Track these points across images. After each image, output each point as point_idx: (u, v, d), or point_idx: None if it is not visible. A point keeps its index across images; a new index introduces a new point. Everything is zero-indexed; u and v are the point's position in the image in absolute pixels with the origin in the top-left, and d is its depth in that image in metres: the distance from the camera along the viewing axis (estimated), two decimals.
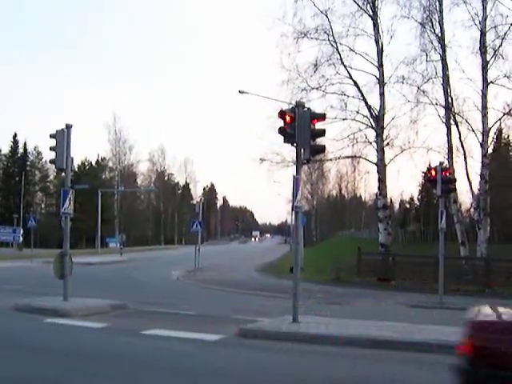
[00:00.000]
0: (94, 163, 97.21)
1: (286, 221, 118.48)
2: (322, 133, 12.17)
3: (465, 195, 54.93)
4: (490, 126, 28.51)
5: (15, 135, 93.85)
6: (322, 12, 29.72)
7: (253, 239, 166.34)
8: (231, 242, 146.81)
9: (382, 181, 29.79)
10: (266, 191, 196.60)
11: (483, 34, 27.79)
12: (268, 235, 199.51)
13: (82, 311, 13.25)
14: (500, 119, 30.11)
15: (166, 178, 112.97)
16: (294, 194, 11.47)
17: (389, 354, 9.15)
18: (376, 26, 29.59)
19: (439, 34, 29.08)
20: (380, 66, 29.54)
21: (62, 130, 14.34)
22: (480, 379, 5.00)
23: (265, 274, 32.93)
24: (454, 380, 5.19)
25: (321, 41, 30.03)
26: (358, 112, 30.22)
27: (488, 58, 27.82)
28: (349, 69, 29.98)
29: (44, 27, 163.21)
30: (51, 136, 14.44)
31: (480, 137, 28.11)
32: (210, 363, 8.13)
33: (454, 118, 28.95)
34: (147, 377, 6.99)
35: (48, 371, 7.19)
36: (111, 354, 8.69)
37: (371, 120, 29.96)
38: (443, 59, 28.95)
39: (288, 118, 11.44)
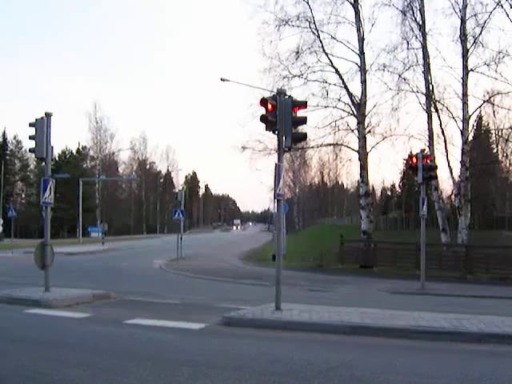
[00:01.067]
0: (74, 152, 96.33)
1: (269, 209, 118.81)
2: (304, 120, 12.14)
3: (446, 182, 55.58)
4: (470, 113, 28.75)
5: None
6: None
7: (234, 227, 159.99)
8: (214, 230, 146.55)
9: (363, 168, 29.90)
10: (249, 179, 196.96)
11: (463, 21, 27.93)
12: (249, 223, 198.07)
13: (64, 301, 13.15)
14: (480, 107, 30.41)
15: (147, 167, 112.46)
16: (276, 182, 11.44)
17: (371, 341, 9.21)
18: (357, 13, 29.62)
19: (420, 22, 29.19)
20: (361, 53, 29.59)
21: (42, 118, 14.17)
22: None
23: (248, 262, 32.98)
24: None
25: (302, 28, 30.05)
26: (339, 100, 30.32)
27: (468, 46, 27.99)
28: (330, 56, 30.08)
29: (24, 15, 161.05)
30: (31, 125, 14.26)
31: (460, 124, 28.34)
32: (192, 352, 8.12)
33: (435, 105, 29.12)
34: (130, 366, 6.96)
35: (28, 362, 7.13)
36: (94, 344, 8.64)
37: (353, 108, 30.04)
38: (424, 47, 29.07)
39: (270, 106, 11.40)
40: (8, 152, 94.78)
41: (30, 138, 14.34)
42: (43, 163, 15.00)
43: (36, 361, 7.22)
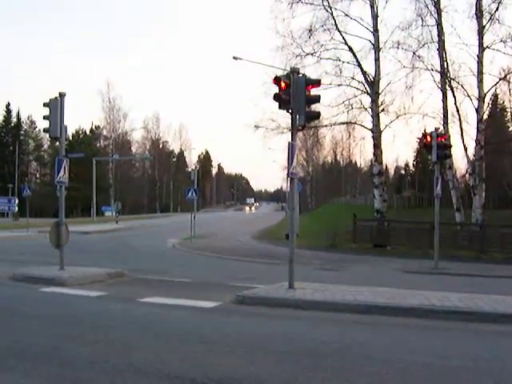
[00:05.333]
0: (88, 132, 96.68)
1: (282, 187, 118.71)
2: (318, 99, 12.04)
3: (460, 161, 55.10)
4: (485, 91, 28.41)
5: (8, 104, 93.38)
6: None
7: (247, 208, 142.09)
8: (227, 209, 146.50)
9: (377, 147, 29.74)
10: (262, 158, 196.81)
11: None
12: (257, 203, 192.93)
13: (79, 280, 13.25)
14: (496, 84, 30.01)
15: (160, 146, 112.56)
16: (290, 161, 11.39)
17: (384, 320, 9.21)
18: None
19: None
20: (375, 31, 29.26)
21: (56, 98, 14.17)
22: None
23: (261, 241, 33.02)
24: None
25: (315, 6, 29.72)
26: (353, 78, 30.06)
27: (484, 23, 27.57)
28: (344, 34, 29.74)
29: None
30: (44, 105, 14.28)
31: (476, 102, 28.03)
32: (206, 330, 8.17)
33: (450, 83, 28.79)
34: (145, 343, 7.03)
35: (43, 339, 7.20)
36: (108, 322, 8.71)
37: (366, 86, 29.79)
38: (439, 24, 28.67)
39: (283, 84, 11.32)
40: (22, 132, 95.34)
41: (44, 118, 14.37)
42: (57, 143, 15.05)
43: (51, 338, 7.29)
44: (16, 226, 41.70)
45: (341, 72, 30.07)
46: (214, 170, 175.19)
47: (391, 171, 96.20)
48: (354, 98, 30.40)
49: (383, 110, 29.95)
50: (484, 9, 27.61)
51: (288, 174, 11.79)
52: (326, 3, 29.46)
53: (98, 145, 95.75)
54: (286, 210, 60.98)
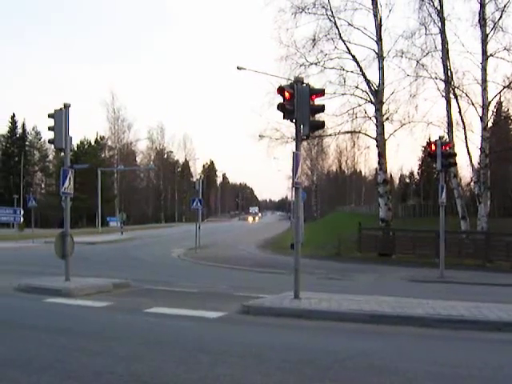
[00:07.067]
0: (93, 142, 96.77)
1: (287, 197, 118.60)
2: (322, 108, 12.07)
3: (465, 169, 55.11)
4: (489, 99, 28.46)
5: (13, 115, 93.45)
6: None
7: (250, 218, 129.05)
8: (232, 218, 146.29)
9: (381, 156, 29.74)
10: (266, 168, 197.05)
11: (483, 6, 27.59)
12: (260, 214, 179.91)
13: (84, 290, 13.25)
14: (500, 92, 30.05)
15: (165, 156, 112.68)
16: (294, 170, 11.41)
17: (390, 329, 9.19)
18: None
19: (438, 7, 28.89)
20: (379, 40, 29.34)
21: (61, 109, 14.23)
22: None
23: (266, 251, 33.03)
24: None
25: (319, 15, 29.85)
26: (357, 87, 30.15)
27: (488, 31, 27.66)
28: (347, 43, 29.87)
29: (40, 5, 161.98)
30: (49, 116, 14.34)
31: (480, 110, 28.05)
32: (211, 340, 8.16)
33: (454, 91, 28.84)
34: (151, 354, 7.01)
35: (48, 350, 7.18)
36: (113, 333, 8.70)
37: (370, 95, 29.85)
38: (442, 32, 28.76)
39: (287, 94, 11.35)
40: (27, 143, 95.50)
41: (49, 128, 14.42)
42: (62, 154, 15.08)
43: (56, 349, 7.28)
44: (21, 236, 41.68)
45: (345, 81, 30.21)
46: (219, 180, 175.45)
47: (396, 180, 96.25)
48: (358, 107, 30.53)
49: (387, 118, 30.02)
50: (487, 17, 27.71)
51: (293, 183, 11.79)
52: (329, 13, 29.62)
53: (103, 155, 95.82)
54: (291, 220, 60.94)
